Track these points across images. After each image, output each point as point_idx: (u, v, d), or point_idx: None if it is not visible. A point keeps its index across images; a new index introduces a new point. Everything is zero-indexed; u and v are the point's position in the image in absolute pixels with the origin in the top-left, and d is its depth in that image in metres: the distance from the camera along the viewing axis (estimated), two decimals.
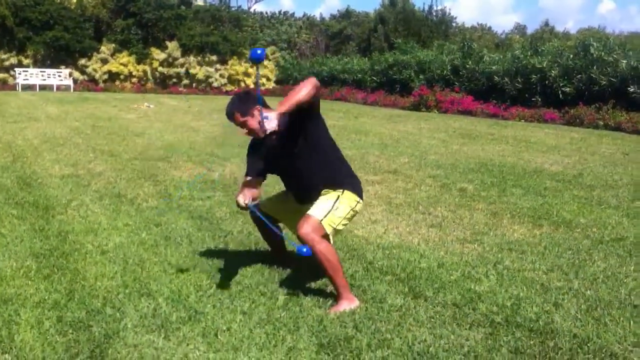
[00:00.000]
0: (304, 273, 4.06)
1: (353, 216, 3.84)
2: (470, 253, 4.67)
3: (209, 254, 4.45)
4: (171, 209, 5.76)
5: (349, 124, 14.87)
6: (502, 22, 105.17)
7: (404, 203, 6.34)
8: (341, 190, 3.74)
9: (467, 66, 22.81)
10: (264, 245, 4.64)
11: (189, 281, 3.89)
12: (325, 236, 3.59)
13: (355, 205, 3.77)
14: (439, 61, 24.57)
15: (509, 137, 12.70)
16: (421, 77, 24.69)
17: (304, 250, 3.42)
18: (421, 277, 4.09)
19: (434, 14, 35.52)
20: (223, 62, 31.45)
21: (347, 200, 3.71)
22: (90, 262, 4.18)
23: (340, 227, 3.72)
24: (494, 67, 21.43)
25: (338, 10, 49.82)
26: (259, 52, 3.39)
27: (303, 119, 3.69)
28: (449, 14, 36.31)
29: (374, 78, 27.79)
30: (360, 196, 3.83)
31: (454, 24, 37.96)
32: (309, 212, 3.62)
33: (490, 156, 9.89)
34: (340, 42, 42.37)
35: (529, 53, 20.90)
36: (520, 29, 53.92)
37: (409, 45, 28.59)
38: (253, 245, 4.70)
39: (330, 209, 3.62)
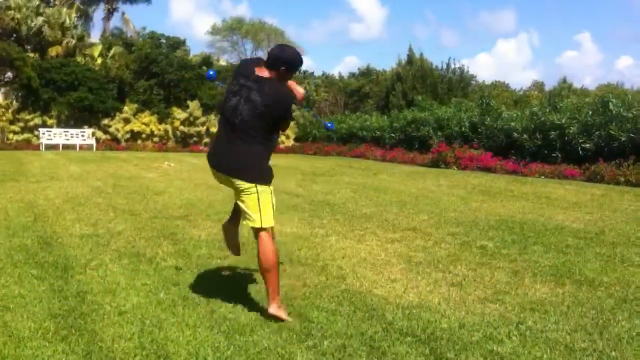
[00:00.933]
0: (326, 336, 4.01)
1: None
2: (491, 313, 4.60)
3: (227, 314, 4.41)
4: (190, 268, 5.75)
5: (368, 182, 14.90)
6: (520, 79, 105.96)
7: (423, 261, 6.28)
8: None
9: (486, 123, 22.90)
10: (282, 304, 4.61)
11: (206, 342, 3.85)
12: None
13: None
14: (457, 118, 24.71)
15: (529, 194, 12.62)
16: (440, 133, 24.81)
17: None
18: (442, 338, 4.02)
19: (452, 71, 35.88)
20: None
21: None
22: (108, 323, 4.16)
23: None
24: (512, 124, 21.48)
25: (359, 69, 50.49)
26: (211, 72, 4.44)
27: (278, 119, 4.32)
28: (467, 71, 36.60)
29: (393, 135, 27.98)
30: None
31: (473, 82, 38.21)
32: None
33: (511, 213, 9.81)
34: (359, 99, 42.82)
35: (548, 109, 20.96)
36: (538, 85, 54.11)
37: (428, 103, 28.82)
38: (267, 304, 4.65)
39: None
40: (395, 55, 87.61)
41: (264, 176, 4.36)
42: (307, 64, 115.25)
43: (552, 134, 19.48)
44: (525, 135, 20.59)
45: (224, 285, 5.19)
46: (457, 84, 35.13)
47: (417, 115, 27.05)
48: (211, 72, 4.17)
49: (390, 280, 5.49)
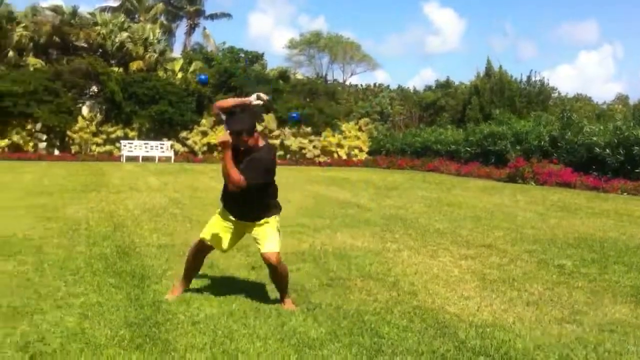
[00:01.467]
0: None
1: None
2: (568, 334, 4.43)
3: (297, 327, 4.41)
4: (262, 279, 5.79)
5: (442, 196, 14.70)
6: (603, 92, 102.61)
7: (498, 279, 6.12)
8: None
9: (566, 137, 22.28)
10: (352, 319, 4.58)
11: (277, 355, 3.86)
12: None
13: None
14: (536, 132, 24.14)
15: (610, 211, 12.17)
16: (517, 148, 24.29)
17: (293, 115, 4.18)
18: (516, 358, 3.91)
19: (532, 84, 35.07)
20: (317, 133, 32.07)
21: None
22: (182, 333, 4.23)
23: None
24: (594, 138, 20.83)
25: (436, 80, 50.15)
26: (202, 77, 4.26)
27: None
28: (547, 83, 35.68)
29: (468, 149, 27.55)
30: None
31: (554, 95, 37.22)
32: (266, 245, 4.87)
33: (591, 231, 9.48)
34: (434, 113, 42.44)
35: (632, 124, 20.21)
36: (622, 99, 52.38)
37: (506, 116, 28.28)
38: (342, 318, 4.63)
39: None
40: (472, 68, 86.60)
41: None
42: (383, 78, 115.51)
43: (636, 149, 18.77)
44: (607, 150, 19.91)
45: (295, 297, 5.19)
46: (537, 97, 34.32)
47: (494, 129, 26.58)
48: (202, 77, 4.27)
49: (464, 298, 5.37)
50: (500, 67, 35.49)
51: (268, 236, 4.89)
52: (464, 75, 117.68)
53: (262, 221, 4.91)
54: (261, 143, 4.83)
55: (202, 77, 5.09)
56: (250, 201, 4.85)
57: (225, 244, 5.08)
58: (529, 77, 35.34)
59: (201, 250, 5.19)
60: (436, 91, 46.33)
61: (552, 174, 20.02)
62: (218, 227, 5.10)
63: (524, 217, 10.96)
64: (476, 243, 8.14)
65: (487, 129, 27.13)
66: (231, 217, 5.02)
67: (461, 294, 5.49)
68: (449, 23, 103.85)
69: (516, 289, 5.75)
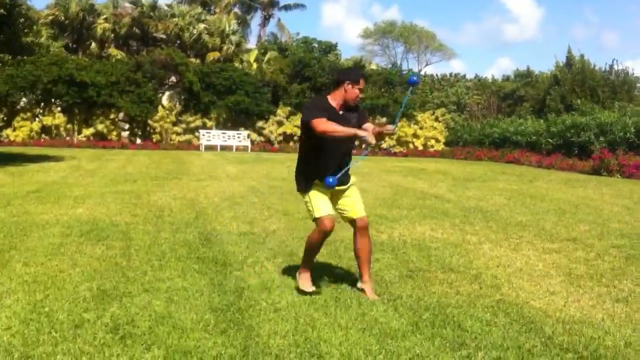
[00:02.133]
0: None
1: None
2: None
3: (378, 317, 4.39)
4: (341, 268, 5.80)
5: (523, 188, 14.35)
6: None
7: (585, 274, 5.92)
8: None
9: None
10: (433, 312, 4.53)
11: (358, 345, 3.86)
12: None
13: None
14: (621, 123, 23.24)
15: None
16: (602, 139, 23.46)
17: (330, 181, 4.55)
18: (606, 356, 3.77)
19: (615, 73, 33.73)
20: (392, 123, 31.85)
21: None
22: (264, 319, 4.28)
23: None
24: None
25: (516, 69, 49.00)
26: (415, 78, 4.38)
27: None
28: (632, 73, 34.20)
29: (550, 140, 26.77)
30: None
31: (639, 85, 35.65)
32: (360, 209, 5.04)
33: None
34: (513, 103, 41.45)
35: None
36: None
37: (589, 107, 27.33)
38: (423, 310, 4.58)
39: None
40: (551, 57, 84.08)
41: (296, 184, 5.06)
42: (459, 67, 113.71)
43: None
44: None
45: (375, 288, 5.16)
46: (621, 87, 32.97)
47: (577, 119, 25.75)
48: (415, 78, 4.42)
49: (549, 293, 5.22)
50: (582, 56, 34.31)
51: (359, 200, 5.03)
52: (543, 64, 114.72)
53: (350, 184, 4.99)
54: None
55: (414, 78, 4.87)
56: (341, 162, 4.88)
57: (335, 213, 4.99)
58: (611, 67, 33.97)
59: (327, 233, 4.92)
60: (515, 81, 45.22)
61: (639, 166, 19.24)
62: (324, 199, 4.90)
63: (610, 211, 10.57)
64: (561, 237, 7.90)
65: (569, 119, 26.31)
66: (325, 188, 4.82)
67: (546, 289, 5.34)
68: (527, 11, 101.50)
69: (604, 284, 5.55)
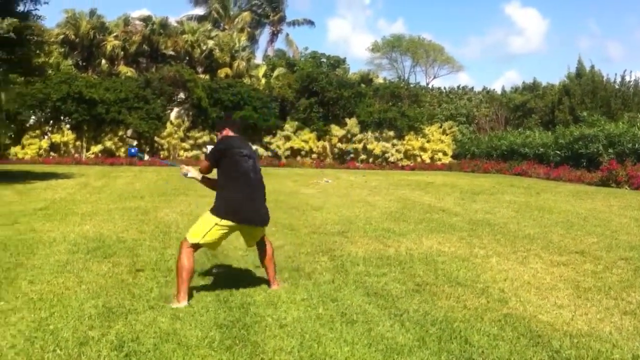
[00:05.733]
0: None
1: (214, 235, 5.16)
2: None
3: (385, 333, 4.36)
4: (347, 284, 5.78)
5: (531, 201, 14.29)
6: None
7: (593, 287, 5.88)
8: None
9: None
10: (441, 326, 4.50)
11: None
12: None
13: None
14: (630, 134, 23.14)
15: None
16: (610, 151, 23.35)
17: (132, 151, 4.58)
18: None
19: (626, 85, 33.59)
20: (400, 137, 31.86)
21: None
22: (270, 335, 4.26)
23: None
24: None
25: (523, 82, 48.95)
26: (132, 150, 4.74)
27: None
28: None
29: (558, 152, 26.68)
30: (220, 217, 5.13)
31: None
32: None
33: None
34: (522, 115, 41.38)
35: None
36: None
37: (594, 118, 27.25)
38: (429, 324, 4.55)
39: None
40: (558, 68, 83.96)
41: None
42: (466, 80, 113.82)
43: None
44: None
45: (381, 303, 5.15)
46: (632, 98, 32.80)
47: (585, 131, 25.65)
48: (133, 150, 5.03)
49: (557, 306, 5.18)
50: (592, 67, 34.26)
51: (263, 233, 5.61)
52: (550, 76, 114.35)
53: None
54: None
55: (133, 150, 5.36)
56: (258, 195, 5.45)
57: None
58: (622, 77, 33.86)
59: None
60: (524, 93, 45.14)
61: None
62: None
63: (618, 223, 10.50)
64: (568, 249, 7.85)
65: (577, 131, 26.22)
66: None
67: (554, 302, 5.30)
68: (532, 23, 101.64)
69: (612, 297, 5.51)
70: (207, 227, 5.13)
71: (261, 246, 5.57)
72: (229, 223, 5.15)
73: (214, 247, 5.49)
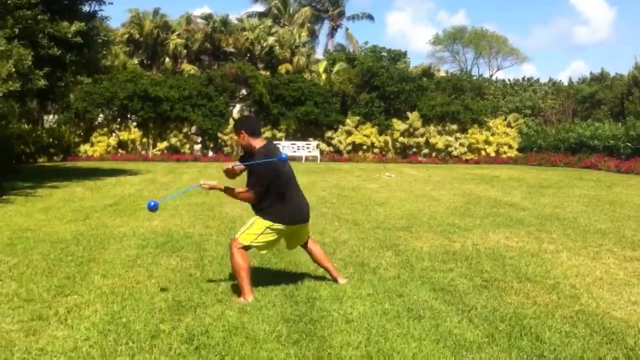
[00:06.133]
0: None
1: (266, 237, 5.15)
2: None
3: (452, 329, 4.31)
4: (413, 279, 5.73)
5: (601, 194, 13.87)
6: None
7: None
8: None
9: None
10: (510, 322, 4.42)
11: (432, 356, 3.80)
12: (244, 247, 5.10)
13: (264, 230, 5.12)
14: None
15: None
16: None
17: (151, 204, 4.88)
18: None
19: None
20: (463, 130, 31.39)
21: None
22: (336, 330, 4.26)
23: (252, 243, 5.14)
24: None
25: (591, 72, 47.57)
26: (152, 204, 4.90)
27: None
28: None
29: (629, 144, 25.75)
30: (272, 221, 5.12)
31: None
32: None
33: None
34: (590, 106, 40.21)
35: None
36: None
37: None
38: (499, 321, 4.47)
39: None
40: (627, 59, 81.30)
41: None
42: (531, 71, 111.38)
43: None
44: None
45: (448, 298, 5.08)
46: None
47: None
48: (152, 204, 4.89)
49: (631, 302, 5.02)
50: None
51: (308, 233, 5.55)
52: (618, 66, 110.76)
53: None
54: (258, 145, 5.19)
55: (152, 204, 5.30)
56: (300, 194, 5.46)
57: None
58: None
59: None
60: (591, 84, 43.86)
61: None
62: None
63: None
64: None
65: None
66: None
67: (628, 299, 5.13)
68: (598, 12, 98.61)
69: None
70: (259, 230, 5.12)
71: (311, 248, 5.58)
72: (281, 227, 5.16)
73: (265, 249, 5.43)
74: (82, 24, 16.23)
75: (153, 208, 4.90)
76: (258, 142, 5.19)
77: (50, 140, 28.02)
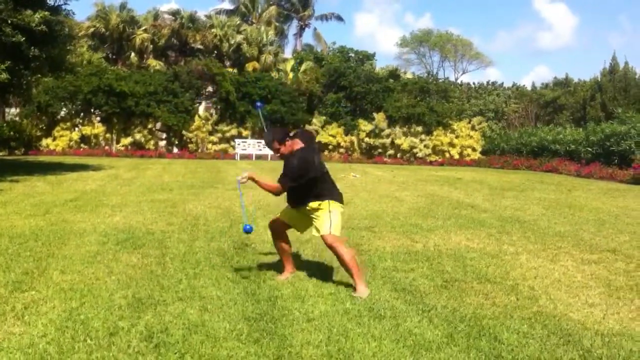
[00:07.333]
0: None
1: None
2: None
3: (412, 329, 4.34)
4: (375, 279, 5.76)
5: (561, 198, 14.11)
6: None
7: (625, 286, 5.79)
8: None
9: None
10: (469, 323, 4.47)
11: (392, 356, 3.82)
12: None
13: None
14: None
15: None
16: None
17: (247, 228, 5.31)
18: None
19: None
20: (428, 132, 31.66)
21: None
22: (297, 329, 4.26)
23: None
24: None
25: (555, 77, 48.34)
26: (258, 104, 5.98)
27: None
28: None
29: (589, 149, 26.26)
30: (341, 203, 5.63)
31: None
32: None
33: None
34: (553, 111, 40.87)
35: None
36: None
37: (628, 115, 26.78)
38: (458, 321, 4.52)
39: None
40: (589, 65, 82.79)
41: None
42: (495, 75, 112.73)
43: None
44: None
45: (409, 298, 5.12)
46: None
47: (616, 128, 25.21)
48: (259, 104, 5.59)
49: (588, 305, 5.11)
50: (627, 63, 33.69)
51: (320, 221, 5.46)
52: (581, 72, 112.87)
53: (313, 205, 5.44)
54: (296, 147, 5.42)
55: (259, 103, 5.38)
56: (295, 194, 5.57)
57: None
58: None
59: (274, 231, 5.87)
60: (555, 89, 44.56)
61: None
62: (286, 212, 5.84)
63: None
64: (600, 247, 7.74)
65: (609, 128, 25.78)
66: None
67: (585, 301, 5.23)
68: (562, 19, 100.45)
69: None
70: (339, 215, 5.48)
71: (287, 235, 5.99)
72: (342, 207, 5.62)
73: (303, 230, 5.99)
74: (47, 12, 15.90)
75: (249, 231, 5.41)
76: (297, 144, 5.47)
77: (11, 133, 27.54)
